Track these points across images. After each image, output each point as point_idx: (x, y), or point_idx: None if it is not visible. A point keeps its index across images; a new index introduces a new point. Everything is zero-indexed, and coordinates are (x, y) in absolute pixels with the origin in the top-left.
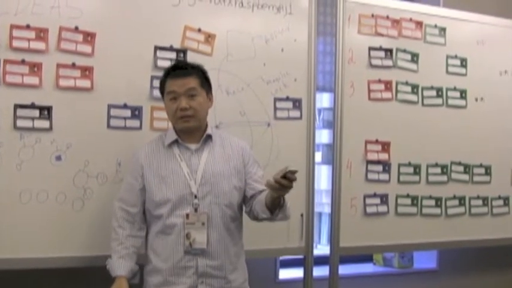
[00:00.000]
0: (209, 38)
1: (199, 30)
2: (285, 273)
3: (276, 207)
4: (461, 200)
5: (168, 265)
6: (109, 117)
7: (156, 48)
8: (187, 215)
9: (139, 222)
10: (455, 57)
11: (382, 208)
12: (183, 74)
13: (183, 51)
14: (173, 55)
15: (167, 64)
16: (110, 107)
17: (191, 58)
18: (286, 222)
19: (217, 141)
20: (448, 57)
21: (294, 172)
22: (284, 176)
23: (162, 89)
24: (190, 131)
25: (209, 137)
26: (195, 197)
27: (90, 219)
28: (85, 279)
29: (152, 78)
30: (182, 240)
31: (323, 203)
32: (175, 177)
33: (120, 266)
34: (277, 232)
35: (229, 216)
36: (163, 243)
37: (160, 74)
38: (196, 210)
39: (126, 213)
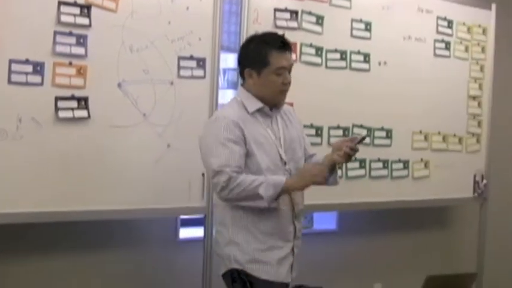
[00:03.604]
0: None
1: None
2: (185, 233)
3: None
4: (362, 163)
5: (276, 230)
6: (10, 72)
7: (60, 3)
8: None
9: None
10: (360, 21)
11: None
12: (289, 49)
13: (87, 6)
14: (77, 10)
15: (71, 19)
16: (11, 62)
17: (95, 14)
18: (187, 181)
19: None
20: (353, 20)
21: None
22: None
23: (264, 59)
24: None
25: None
26: (285, 163)
27: None
28: None
29: (55, 33)
30: (289, 206)
31: None
32: (269, 144)
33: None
34: (178, 191)
35: None
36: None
37: (64, 29)
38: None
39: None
